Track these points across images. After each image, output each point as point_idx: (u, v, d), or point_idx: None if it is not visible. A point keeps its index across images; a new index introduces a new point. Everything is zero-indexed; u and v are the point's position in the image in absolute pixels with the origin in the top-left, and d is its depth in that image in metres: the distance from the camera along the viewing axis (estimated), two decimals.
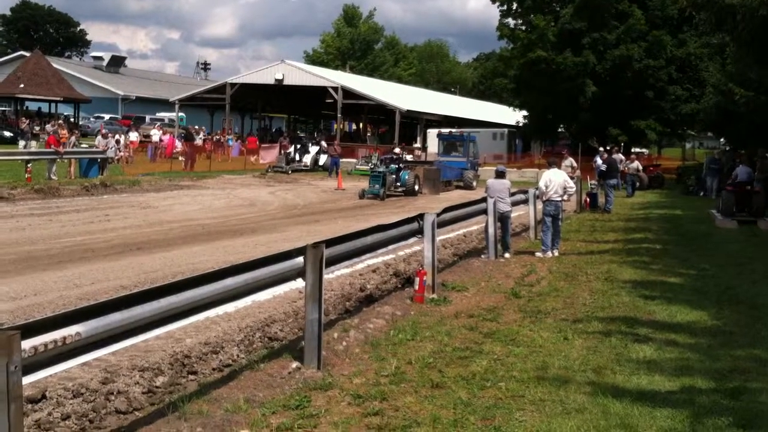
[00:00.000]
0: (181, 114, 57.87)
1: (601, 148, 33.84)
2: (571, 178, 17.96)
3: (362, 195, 27.06)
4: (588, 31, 43.39)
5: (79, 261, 12.38)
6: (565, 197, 15.38)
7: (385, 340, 8.18)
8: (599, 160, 28.40)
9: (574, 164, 26.29)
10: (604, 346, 8.05)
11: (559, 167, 17.04)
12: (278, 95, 58.01)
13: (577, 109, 44.52)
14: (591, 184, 25.56)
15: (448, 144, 36.45)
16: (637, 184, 32.29)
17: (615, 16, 44.01)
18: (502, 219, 14.59)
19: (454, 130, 42.40)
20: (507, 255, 14.61)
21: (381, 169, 28.06)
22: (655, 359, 7.59)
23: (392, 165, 29.25)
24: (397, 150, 34.29)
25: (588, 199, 24.66)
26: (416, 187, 29.28)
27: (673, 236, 18.37)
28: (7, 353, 4.17)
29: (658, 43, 43.08)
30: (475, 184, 33.08)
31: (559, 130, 51.84)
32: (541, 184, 15.22)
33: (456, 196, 27.42)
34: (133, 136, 42.71)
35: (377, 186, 27.22)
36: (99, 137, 34.34)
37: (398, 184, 28.92)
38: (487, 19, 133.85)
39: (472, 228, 17.14)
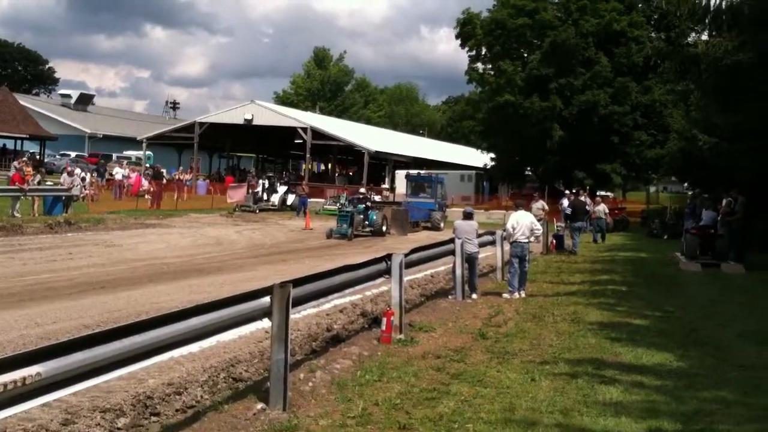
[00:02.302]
0: (149, 152, 57.61)
1: (567, 191, 34.16)
2: (539, 220, 18.12)
3: (330, 235, 26.93)
4: (555, 77, 44.22)
5: (40, 299, 12.16)
6: (532, 239, 15.50)
7: (352, 380, 8.10)
8: (565, 203, 28.64)
9: (546, 207, 26.49)
10: (571, 388, 8.03)
11: (527, 209, 17.17)
12: (247, 135, 58.07)
13: (544, 152, 45.15)
14: (557, 226, 25.79)
15: (416, 185, 36.58)
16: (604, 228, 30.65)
17: (582, 63, 44.91)
18: (470, 260, 14.62)
19: (422, 171, 42.66)
20: (474, 296, 14.63)
21: (349, 209, 28.00)
22: (621, 401, 7.58)
23: (360, 205, 29.15)
24: (362, 190, 34.16)
25: (554, 241, 24.84)
26: (384, 228, 29.21)
27: (639, 278, 18.53)
28: None
29: (624, 90, 44.00)
30: (442, 225, 33.17)
31: (527, 172, 52.42)
32: (509, 225, 15.35)
33: (424, 236, 27.48)
34: (77, 171, 37.31)
35: (345, 226, 27.12)
36: (65, 175, 33.97)
37: (366, 223, 28.84)
38: (456, 63, 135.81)
39: (440, 269, 17.14)
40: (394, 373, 8.44)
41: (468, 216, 15.29)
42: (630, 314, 13.00)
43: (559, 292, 15.53)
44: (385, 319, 10.19)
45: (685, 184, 54.61)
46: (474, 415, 6.98)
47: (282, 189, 41.31)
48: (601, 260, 22.88)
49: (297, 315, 9.73)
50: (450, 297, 14.36)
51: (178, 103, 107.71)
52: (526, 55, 47.76)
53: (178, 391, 7.50)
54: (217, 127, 53.50)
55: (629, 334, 11.12)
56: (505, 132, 46.53)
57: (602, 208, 31.16)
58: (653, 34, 45.69)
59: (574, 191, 32.77)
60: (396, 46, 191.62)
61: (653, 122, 46.19)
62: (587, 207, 29.30)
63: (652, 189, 68.76)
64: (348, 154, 62.52)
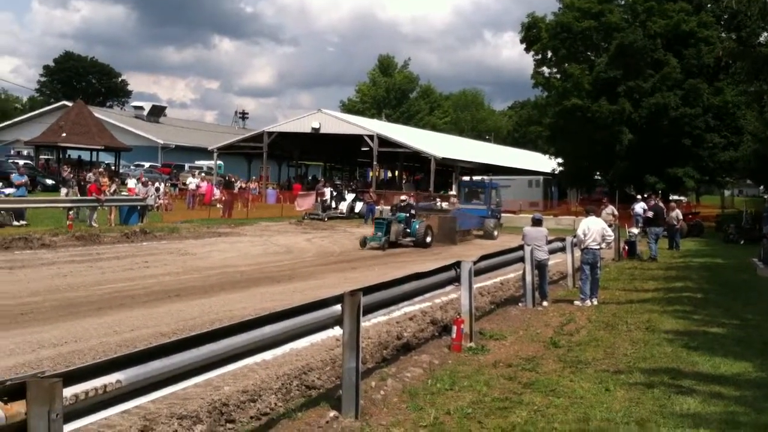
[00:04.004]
0: (219, 162, 58.68)
1: (639, 196, 33.43)
2: (610, 225, 17.80)
3: (364, 243, 25.41)
4: (623, 80, 43.48)
5: (118, 308, 12.49)
6: (604, 245, 15.23)
7: (423, 389, 8.09)
8: (638, 208, 27.99)
9: (615, 212, 25.93)
10: (647, 398, 7.88)
11: (598, 215, 16.90)
12: (315, 143, 58.67)
13: (613, 156, 44.40)
14: (629, 232, 25.27)
15: (470, 191, 35.45)
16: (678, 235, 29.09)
17: (650, 65, 44.03)
18: (540, 267, 14.48)
19: (476, 177, 42.05)
20: (545, 303, 14.48)
21: (386, 217, 26.78)
22: (699, 412, 7.41)
23: (401, 213, 27.08)
24: (403, 197, 32.42)
25: (626, 248, 24.38)
26: (428, 239, 26.77)
27: (715, 285, 18.06)
28: (49, 401, 4.16)
29: (695, 92, 42.93)
30: (496, 233, 31.10)
31: (596, 177, 51.64)
32: (579, 232, 15.12)
33: (489, 244, 27.14)
34: (132, 183, 38.86)
35: (379, 234, 25.48)
36: (139, 185, 34.89)
37: (408, 232, 26.69)
38: (521, 68, 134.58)
39: (509, 276, 17.00)
40: (465, 382, 8.40)
41: (537, 222, 15.15)
42: (706, 322, 12.69)
43: (632, 300, 15.25)
44: (455, 327, 10.16)
45: (761, 187, 53.03)
46: (547, 426, 6.91)
47: (350, 197, 41.56)
48: (676, 267, 22.39)
49: (367, 323, 9.76)
50: (520, 304, 14.23)
51: (247, 113, 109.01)
52: (593, 58, 47.09)
53: (253, 398, 7.61)
54: (286, 136, 54.28)
55: (706, 342, 10.86)
56: (573, 136, 45.91)
57: (675, 214, 29.93)
58: (723, 34, 44.52)
59: (644, 196, 31.93)
60: (460, 52, 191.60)
61: (726, 124, 44.94)
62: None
63: (727, 193, 67.02)
64: (414, 161, 62.60)
